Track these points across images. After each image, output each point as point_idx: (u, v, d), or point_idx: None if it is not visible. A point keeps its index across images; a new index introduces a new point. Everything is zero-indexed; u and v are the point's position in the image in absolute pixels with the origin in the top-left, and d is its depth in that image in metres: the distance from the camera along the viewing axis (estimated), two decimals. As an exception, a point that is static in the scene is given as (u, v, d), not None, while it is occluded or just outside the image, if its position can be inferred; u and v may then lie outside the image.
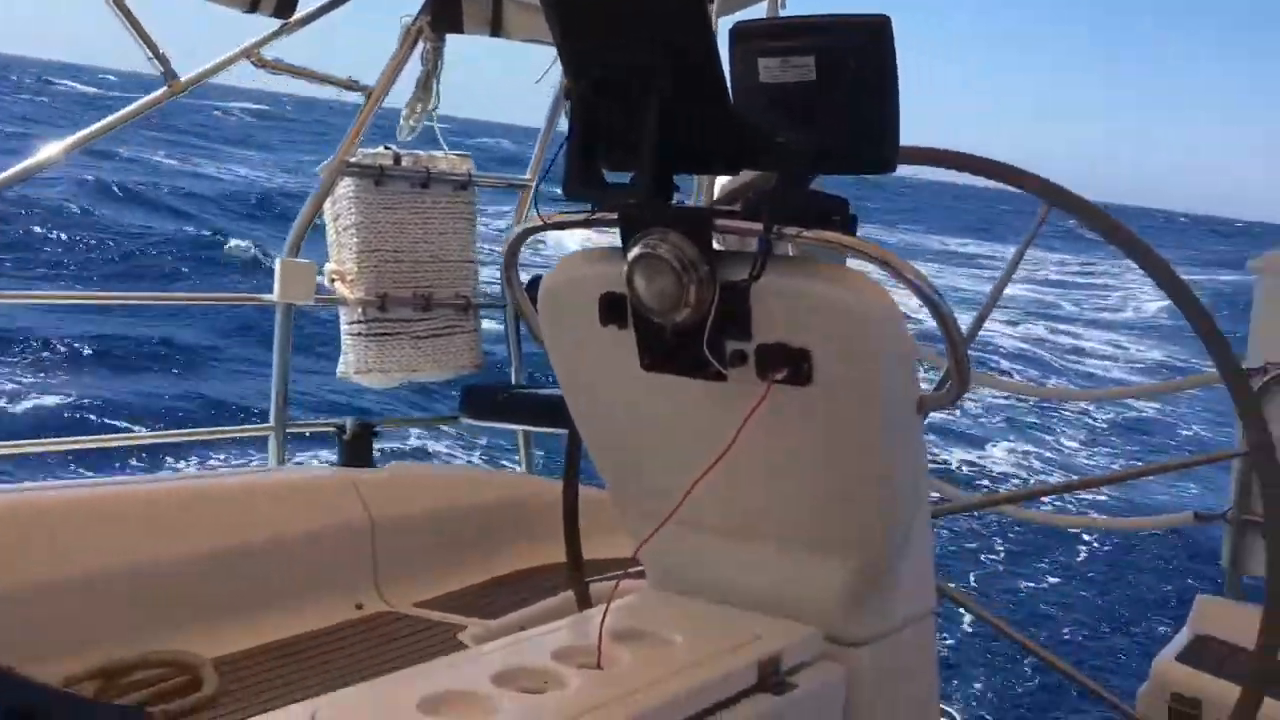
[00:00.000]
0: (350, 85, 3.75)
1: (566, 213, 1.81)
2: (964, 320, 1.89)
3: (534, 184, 4.33)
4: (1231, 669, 2.72)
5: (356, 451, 3.55)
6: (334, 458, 3.69)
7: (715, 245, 1.67)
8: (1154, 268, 2.08)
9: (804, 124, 1.62)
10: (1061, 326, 25.88)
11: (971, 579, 9.27)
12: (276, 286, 3.65)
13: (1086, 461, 14.52)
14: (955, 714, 4.27)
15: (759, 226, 1.59)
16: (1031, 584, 9.53)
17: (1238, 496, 3.21)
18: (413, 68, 3.81)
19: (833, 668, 1.83)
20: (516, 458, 4.51)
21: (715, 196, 2.92)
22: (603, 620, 1.65)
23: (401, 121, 3.83)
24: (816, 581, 1.88)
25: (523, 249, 2.08)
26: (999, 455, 14.25)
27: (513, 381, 4.44)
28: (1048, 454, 14.67)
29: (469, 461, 9.32)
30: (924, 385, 1.93)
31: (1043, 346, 22.87)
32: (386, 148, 3.93)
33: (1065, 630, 8.67)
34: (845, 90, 1.58)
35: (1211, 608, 3.10)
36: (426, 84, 3.81)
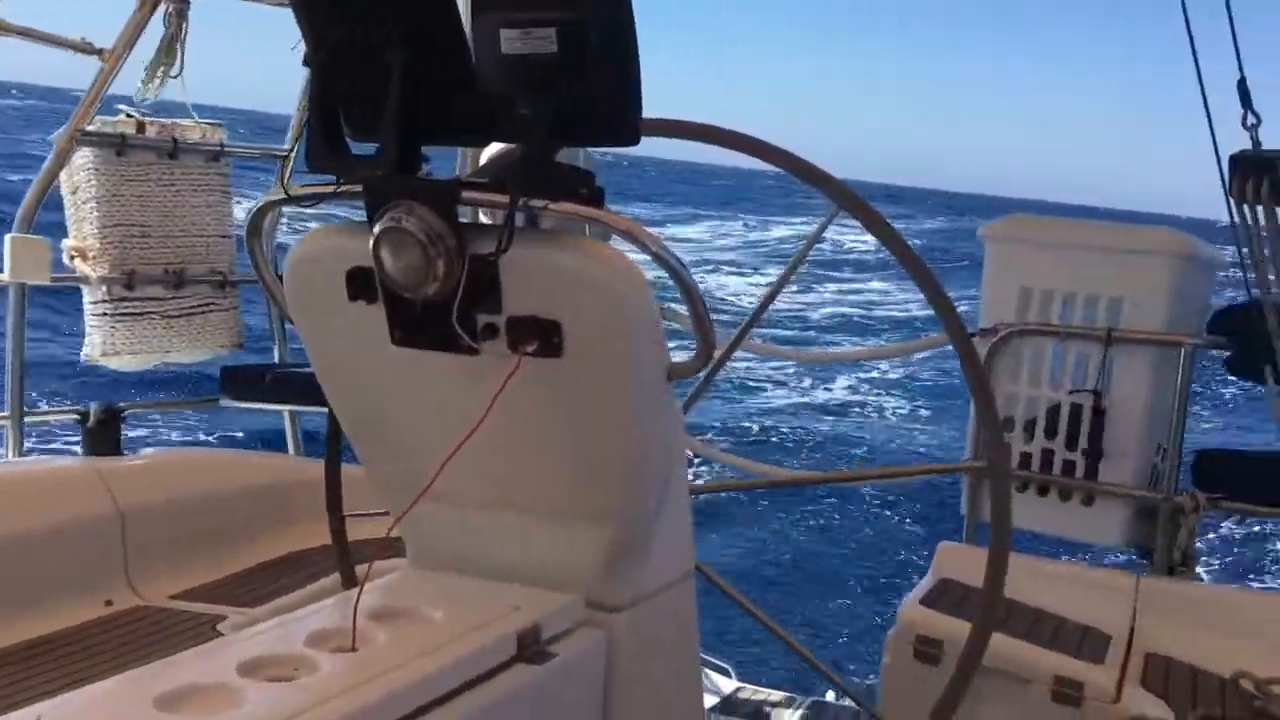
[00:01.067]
0: (83, 48, 3.50)
1: (309, 186, 1.76)
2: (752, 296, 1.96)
3: (291, 154, 4.17)
4: (968, 610, 2.92)
5: (102, 439, 3.36)
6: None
7: (473, 219, 1.66)
8: (887, 237, 2.20)
9: (546, 96, 1.62)
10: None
11: (733, 545, 9.58)
12: (6, 265, 3.39)
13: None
14: (729, 668, 4.41)
15: (505, 199, 1.58)
16: (792, 543, 9.97)
17: (973, 449, 3.46)
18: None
19: (593, 634, 1.87)
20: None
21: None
22: (356, 601, 1.63)
23: (140, 85, 3.61)
24: (576, 550, 1.90)
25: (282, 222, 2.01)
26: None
27: (276, 360, 4.28)
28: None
29: (231, 445, 8.92)
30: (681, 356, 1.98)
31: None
32: (129, 115, 3.70)
33: (834, 585, 9.14)
34: (586, 62, 1.59)
35: (951, 553, 3.32)
36: (169, 47, 3.60)
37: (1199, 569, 3.39)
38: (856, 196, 2.26)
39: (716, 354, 2.16)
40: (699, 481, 2.75)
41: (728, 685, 4.24)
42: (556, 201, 1.62)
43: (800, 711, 3.98)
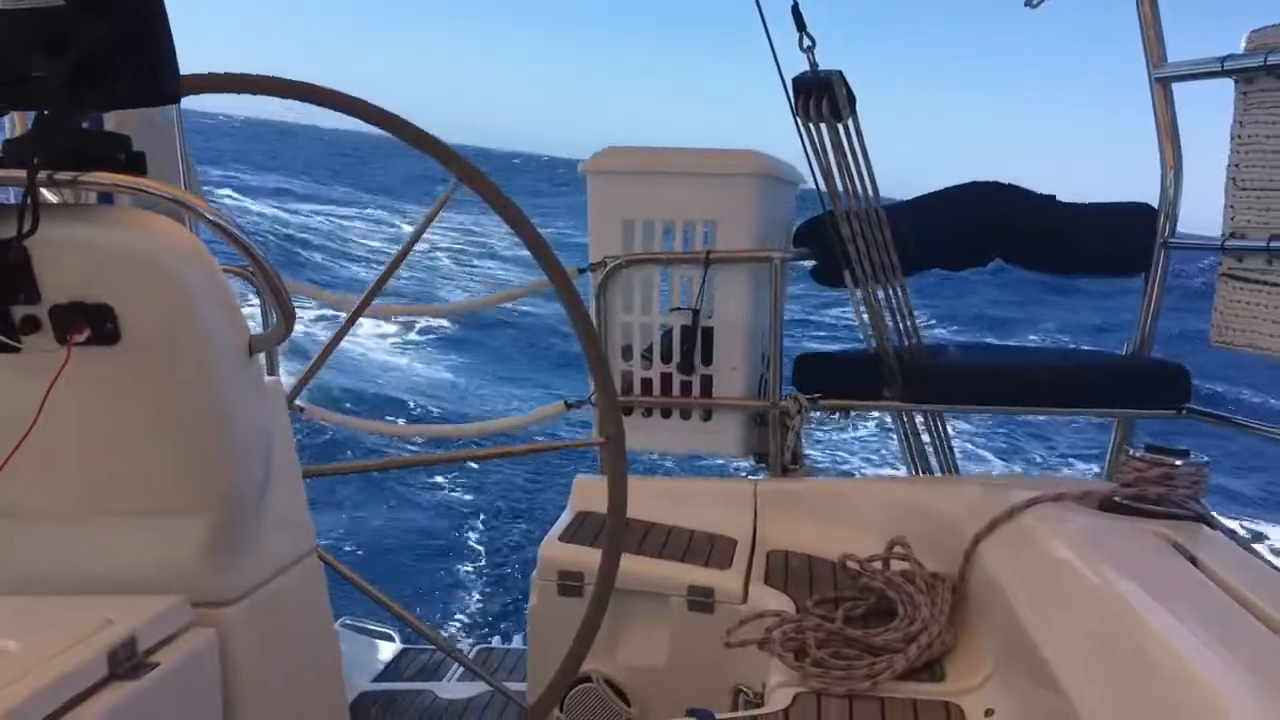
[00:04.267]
0: None
1: None
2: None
3: None
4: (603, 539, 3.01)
5: None
6: None
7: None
8: (489, 194, 2.19)
9: (63, 55, 1.43)
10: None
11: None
12: None
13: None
14: (393, 633, 4.33)
15: (22, 174, 1.39)
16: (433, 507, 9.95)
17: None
18: None
19: (202, 634, 1.73)
20: None
21: None
22: None
23: None
24: (175, 548, 1.75)
25: None
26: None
27: None
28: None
29: None
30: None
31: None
32: None
33: (497, 543, 9.21)
34: (102, 16, 1.42)
35: (587, 485, 3.40)
36: None
37: (812, 465, 3.65)
38: (461, 159, 2.21)
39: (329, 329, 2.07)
40: (331, 464, 2.64)
41: (391, 649, 4.17)
42: (86, 171, 1.45)
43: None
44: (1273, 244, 3.09)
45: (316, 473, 2.40)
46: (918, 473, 3.80)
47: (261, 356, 1.83)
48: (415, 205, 38.16)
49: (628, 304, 3.54)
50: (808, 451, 3.58)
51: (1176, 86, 3.52)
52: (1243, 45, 3.21)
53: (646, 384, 3.57)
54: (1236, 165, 3.24)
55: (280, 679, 1.95)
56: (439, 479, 10.46)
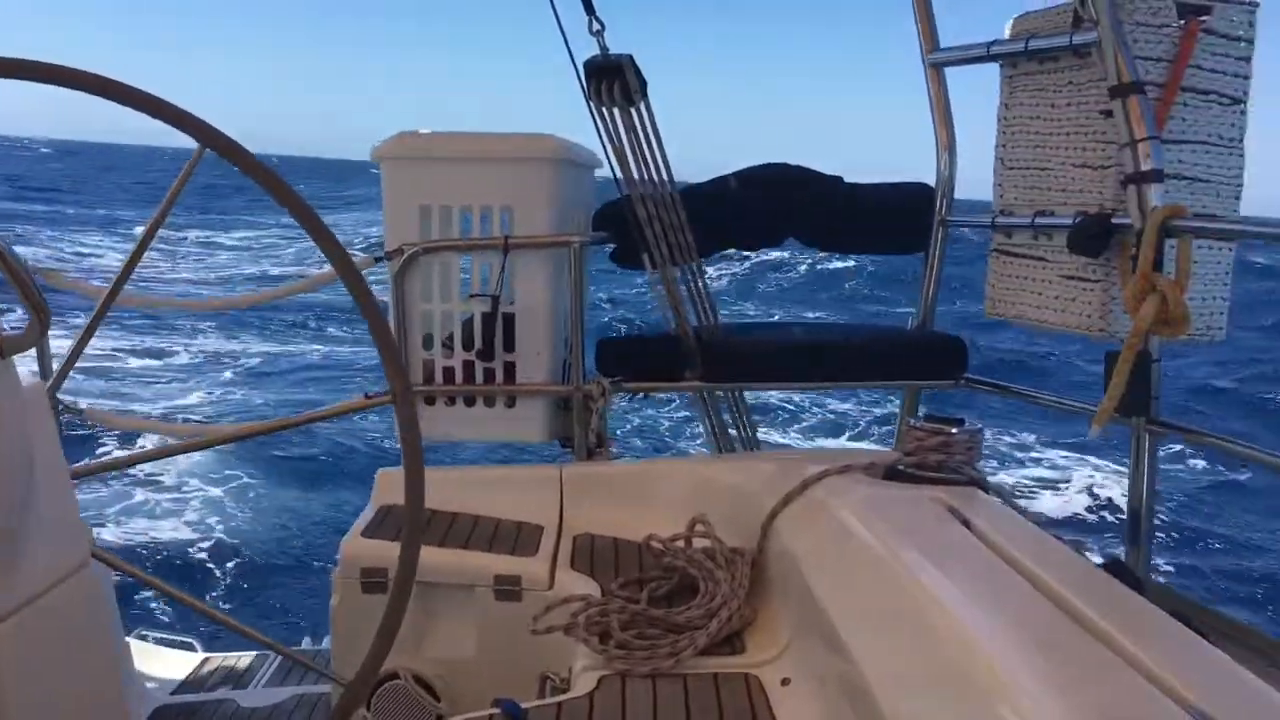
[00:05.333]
0: None
1: None
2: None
3: None
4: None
5: None
6: None
7: None
8: (264, 178, 2.10)
9: None
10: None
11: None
12: None
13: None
14: (194, 642, 4.15)
15: None
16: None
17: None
18: None
19: None
20: None
21: None
22: None
23: None
24: None
25: None
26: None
27: None
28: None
29: None
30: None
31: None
32: None
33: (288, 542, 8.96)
34: None
35: (390, 478, 3.32)
36: None
37: (616, 448, 3.68)
38: (228, 138, 2.12)
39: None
40: (86, 462, 2.49)
41: (193, 660, 3.99)
42: None
43: (272, 669, 3.85)
44: (1038, 220, 3.29)
45: (87, 472, 2.27)
46: (721, 451, 3.88)
47: (17, 359, 1.72)
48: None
49: (427, 292, 3.48)
50: (622, 434, 3.61)
51: (955, 71, 3.70)
52: (1007, 31, 3.40)
53: (449, 373, 3.52)
54: (1004, 146, 3.43)
55: (58, 698, 1.84)
56: (244, 478, 10.11)
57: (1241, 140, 3.10)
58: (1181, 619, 1.95)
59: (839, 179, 3.84)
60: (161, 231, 2.51)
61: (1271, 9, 3.08)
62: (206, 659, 4.00)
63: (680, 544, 2.78)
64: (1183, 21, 3.00)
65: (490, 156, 3.39)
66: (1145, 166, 2.86)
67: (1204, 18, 3.02)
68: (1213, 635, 2.14)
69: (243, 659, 3.96)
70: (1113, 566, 2.52)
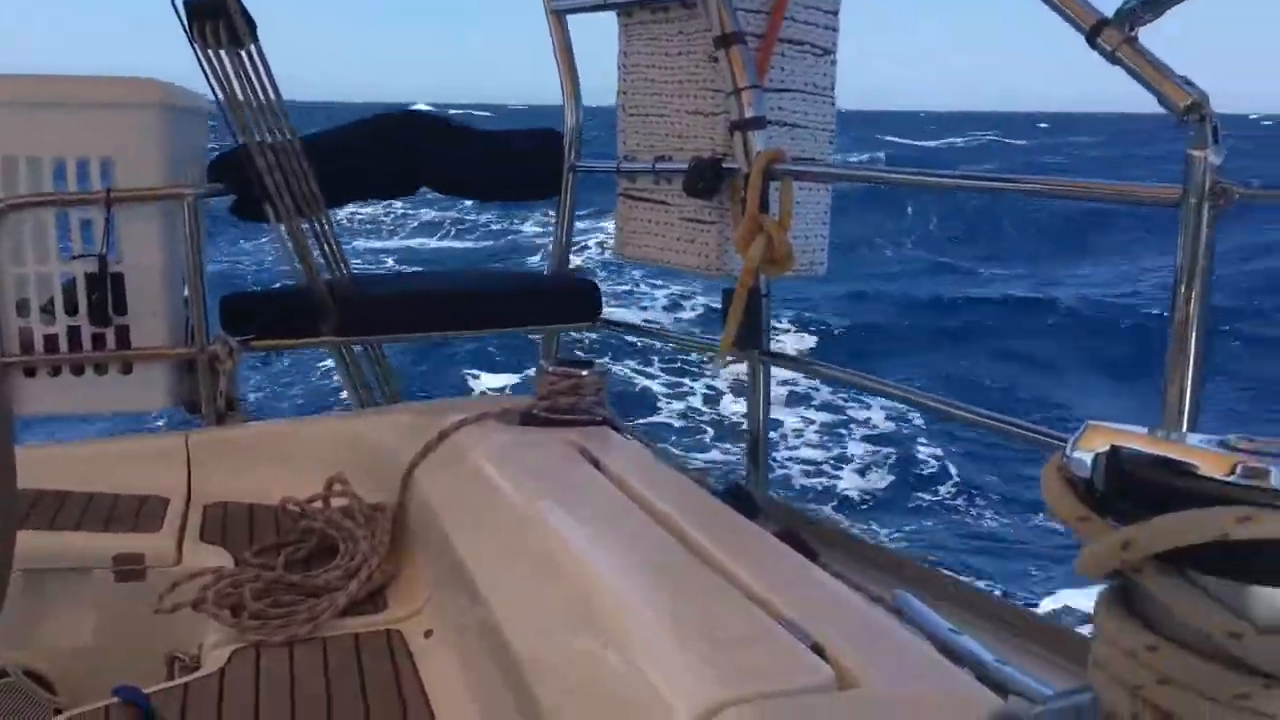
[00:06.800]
0: None
1: None
2: None
3: None
4: None
5: None
6: None
7: None
8: None
9: None
10: None
11: None
12: None
13: None
14: None
15: None
16: None
17: None
18: None
19: None
20: None
21: None
22: None
23: None
24: None
25: None
26: None
27: None
28: None
29: None
30: None
31: None
32: None
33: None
34: None
35: None
36: None
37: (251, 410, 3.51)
38: None
39: None
40: None
41: None
42: None
43: None
44: (658, 165, 3.43)
45: None
46: (363, 406, 3.80)
47: None
48: None
49: (19, 253, 3.15)
50: (251, 394, 3.44)
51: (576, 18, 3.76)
52: None
53: (51, 340, 3.21)
54: (624, 93, 3.54)
55: None
56: None
57: (833, 89, 3.37)
58: (792, 536, 2.13)
59: (469, 127, 3.82)
60: None
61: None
62: None
63: (318, 505, 2.70)
64: (778, -25, 3.20)
65: (85, 102, 3.09)
66: (748, 114, 3.04)
67: None
68: (820, 545, 2.35)
69: None
70: (733, 492, 2.71)
